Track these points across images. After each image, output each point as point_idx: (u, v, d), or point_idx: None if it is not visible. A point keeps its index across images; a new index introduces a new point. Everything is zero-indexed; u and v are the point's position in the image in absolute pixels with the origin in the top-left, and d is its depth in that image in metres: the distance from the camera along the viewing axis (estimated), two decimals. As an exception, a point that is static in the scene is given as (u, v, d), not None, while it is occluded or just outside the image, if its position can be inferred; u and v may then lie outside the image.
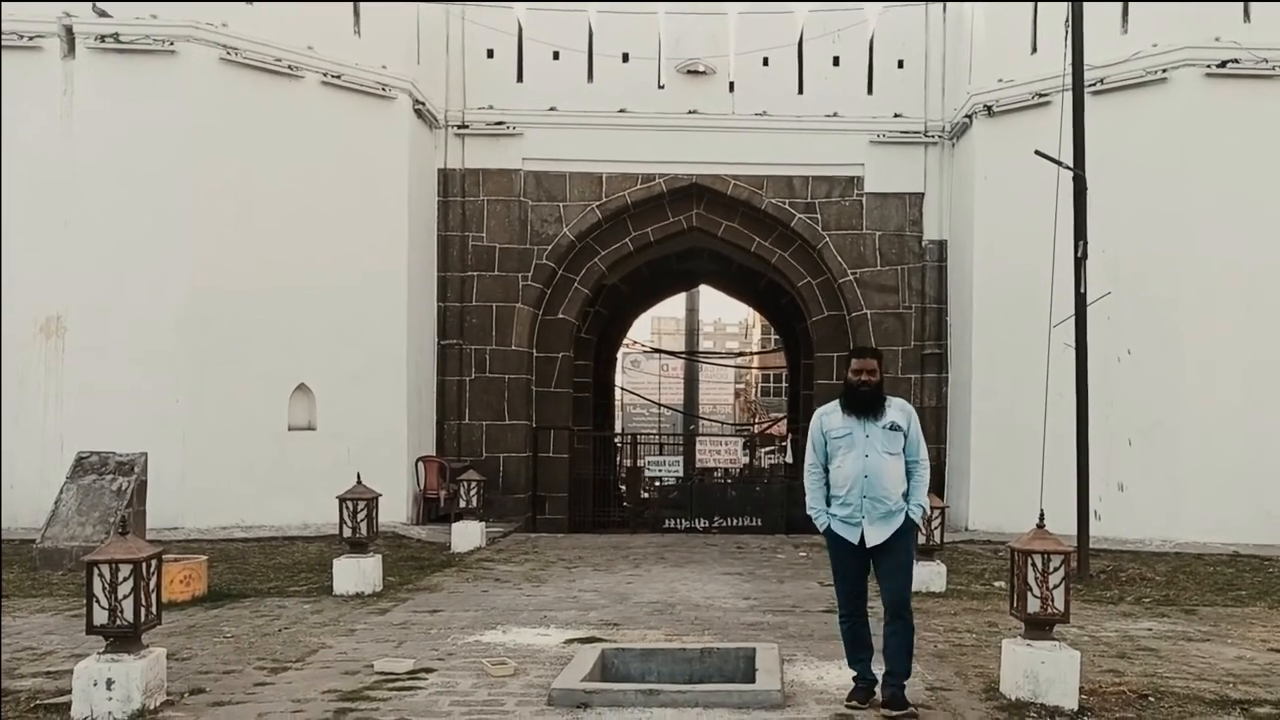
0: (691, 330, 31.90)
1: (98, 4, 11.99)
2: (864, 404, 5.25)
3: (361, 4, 13.76)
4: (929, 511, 5.31)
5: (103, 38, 12.05)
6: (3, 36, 11.88)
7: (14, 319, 11.85)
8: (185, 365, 12.17)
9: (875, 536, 5.16)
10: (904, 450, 5.24)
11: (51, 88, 12.06)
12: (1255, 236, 12.10)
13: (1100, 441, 10.91)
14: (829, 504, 5.30)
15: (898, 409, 5.31)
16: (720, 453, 18.16)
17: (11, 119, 11.90)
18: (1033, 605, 5.25)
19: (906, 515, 5.22)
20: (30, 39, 12.00)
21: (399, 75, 14.07)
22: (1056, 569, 5.23)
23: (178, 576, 8.18)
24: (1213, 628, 7.58)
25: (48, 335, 12.01)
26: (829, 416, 5.37)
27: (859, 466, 5.17)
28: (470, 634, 7.13)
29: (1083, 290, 10.08)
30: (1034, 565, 5.22)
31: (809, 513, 5.39)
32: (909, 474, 5.26)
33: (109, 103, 12.08)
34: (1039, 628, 5.33)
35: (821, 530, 5.35)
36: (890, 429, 5.21)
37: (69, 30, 12.09)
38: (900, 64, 15.80)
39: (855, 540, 5.19)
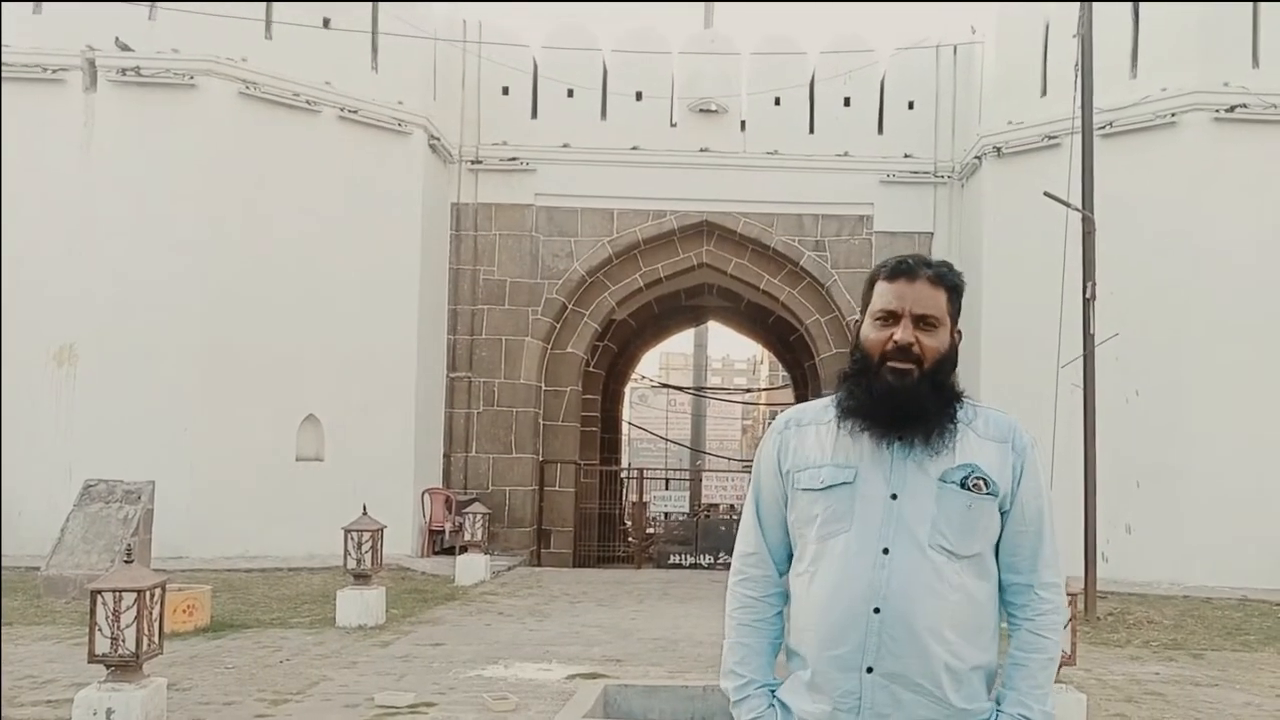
0: (700, 366, 31.99)
1: (120, 38, 12.21)
2: (893, 407, 2.01)
3: (379, 41, 13.97)
4: None
5: (124, 71, 12.25)
6: (26, 70, 12.11)
7: (27, 347, 11.97)
8: (195, 395, 12.24)
9: None
10: (995, 549, 2.07)
11: (72, 119, 12.25)
12: (1264, 279, 12.09)
13: (1108, 483, 10.86)
14: (774, 669, 2.11)
15: (991, 435, 2.08)
16: (726, 489, 18.07)
17: (32, 150, 12.09)
18: (1036, 648, 5.21)
19: None
20: (54, 72, 12.21)
21: (415, 111, 14.24)
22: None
23: (181, 606, 8.18)
24: (1220, 673, 7.51)
25: (60, 364, 12.12)
26: (802, 432, 2.12)
27: (862, 578, 1.96)
28: (472, 668, 7.11)
29: (1091, 331, 10.09)
30: (1038, 608, 5.19)
31: (721, 685, 2.13)
32: (1013, 615, 2.09)
33: (128, 135, 12.27)
34: (1043, 671, 5.28)
35: None
36: (964, 485, 2.01)
37: (92, 64, 12.30)
38: (911, 105, 15.91)
39: None
